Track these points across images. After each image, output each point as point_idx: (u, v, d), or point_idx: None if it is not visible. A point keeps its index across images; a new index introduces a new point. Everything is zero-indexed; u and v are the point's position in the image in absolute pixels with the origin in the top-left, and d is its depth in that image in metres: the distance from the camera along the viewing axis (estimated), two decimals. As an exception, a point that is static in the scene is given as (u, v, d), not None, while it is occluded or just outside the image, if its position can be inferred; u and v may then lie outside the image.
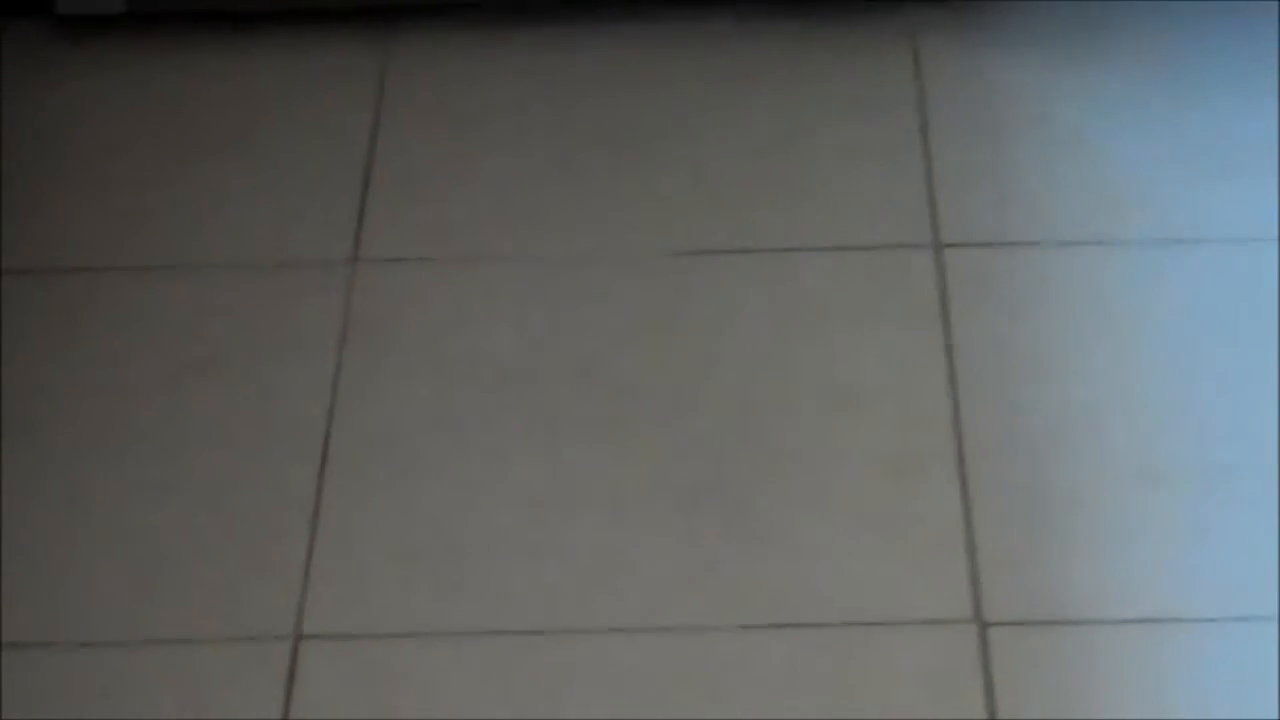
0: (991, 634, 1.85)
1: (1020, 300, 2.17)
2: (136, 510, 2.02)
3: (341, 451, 2.03)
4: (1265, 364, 2.09)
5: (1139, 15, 2.51)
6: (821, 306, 2.15)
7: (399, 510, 1.99)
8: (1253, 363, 2.10)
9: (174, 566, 1.96)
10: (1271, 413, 2.04)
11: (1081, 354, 2.11)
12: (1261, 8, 2.52)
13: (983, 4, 2.50)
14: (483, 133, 2.37)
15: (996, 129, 2.36)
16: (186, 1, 2.43)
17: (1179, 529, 1.95)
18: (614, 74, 2.43)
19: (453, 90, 2.43)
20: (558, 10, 2.48)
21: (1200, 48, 2.48)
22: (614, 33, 2.47)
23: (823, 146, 2.33)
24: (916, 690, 1.82)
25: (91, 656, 1.91)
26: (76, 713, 1.85)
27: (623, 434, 2.03)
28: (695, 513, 1.96)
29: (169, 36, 2.46)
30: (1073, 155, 2.32)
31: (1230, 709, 1.81)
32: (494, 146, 2.35)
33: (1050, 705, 1.82)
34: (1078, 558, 1.94)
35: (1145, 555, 1.93)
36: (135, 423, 2.09)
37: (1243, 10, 2.52)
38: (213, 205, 2.28)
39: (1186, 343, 2.12)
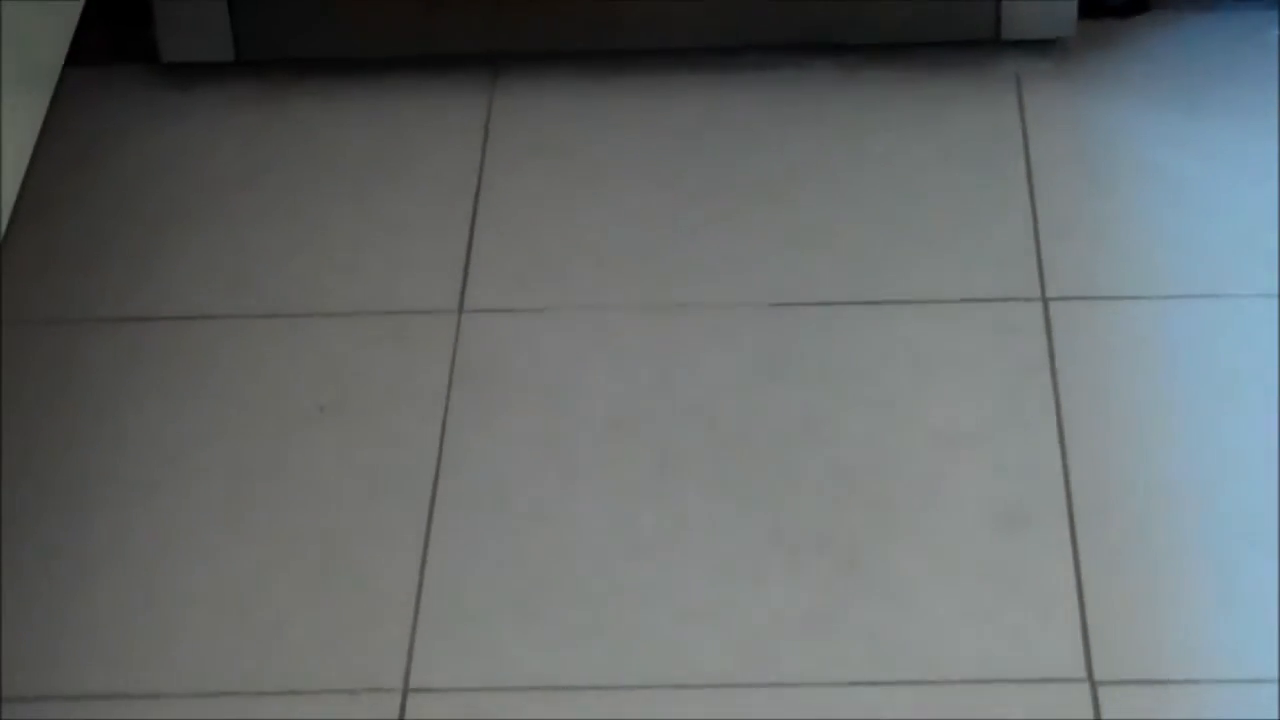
0: (1102, 692, 1.85)
1: (1127, 353, 2.17)
2: (247, 557, 2.04)
3: (449, 499, 2.04)
4: None
5: (1243, 63, 2.51)
6: (929, 359, 2.15)
7: (508, 558, 1.99)
8: None
9: (283, 616, 1.97)
10: None
11: (1189, 409, 2.10)
12: None
13: (1085, 52, 2.49)
14: (584, 181, 2.38)
15: (1102, 179, 2.35)
16: (293, 49, 2.44)
17: None
18: (714, 123, 2.43)
19: (555, 138, 2.43)
20: (657, 59, 2.48)
21: None
22: (716, 82, 2.48)
23: (928, 196, 2.33)
24: None
25: (203, 705, 1.92)
26: None
27: (732, 482, 2.03)
28: (806, 564, 1.96)
29: (274, 83, 2.49)
30: (1178, 205, 2.31)
31: None
32: (596, 195, 2.36)
33: None
34: (1186, 616, 1.93)
35: (1252, 616, 1.92)
36: (248, 469, 2.11)
37: None
38: (323, 253, 2.29)
39: None
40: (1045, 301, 2.20)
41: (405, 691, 1.89)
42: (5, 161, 2.15)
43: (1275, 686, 1.85)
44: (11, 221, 2.18)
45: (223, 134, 2.43)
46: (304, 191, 2.37)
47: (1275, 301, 2.22)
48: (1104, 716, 1.83)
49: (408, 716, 1.87)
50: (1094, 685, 1.84)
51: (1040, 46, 2.46)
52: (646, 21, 2.42)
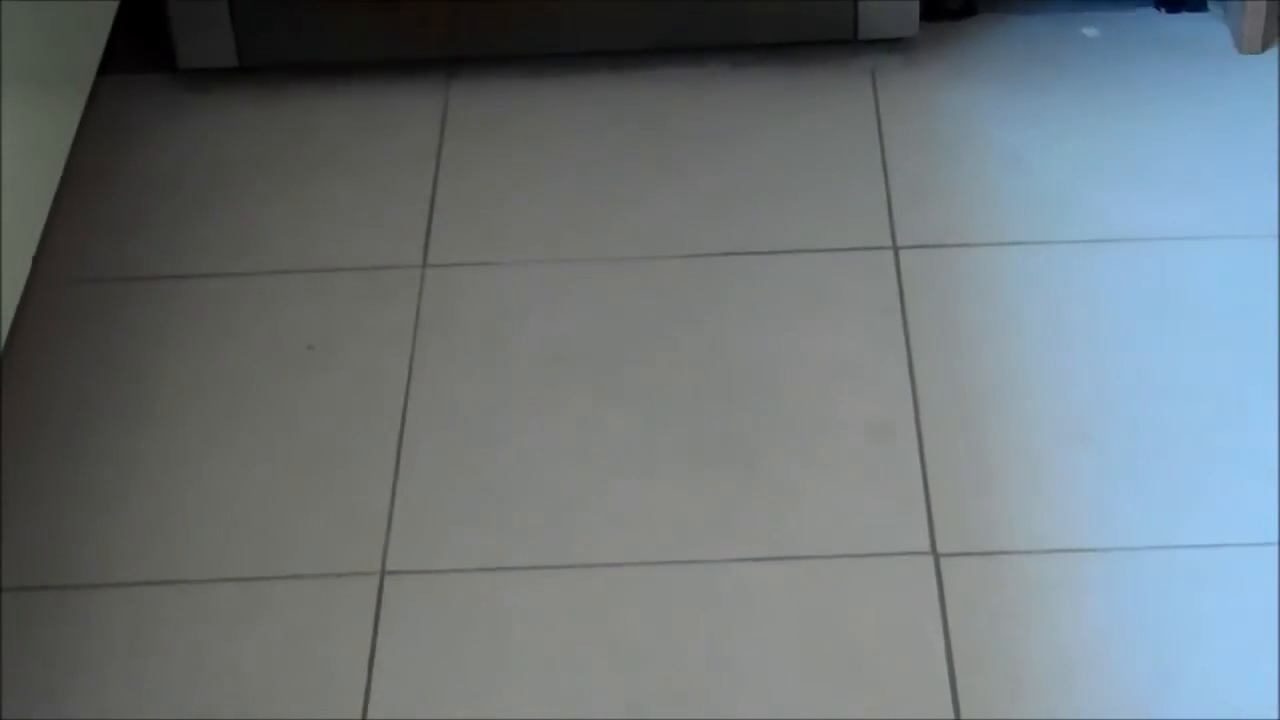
0: (944, 562, 1.89)
1: (965, 292, 2.19)
2: (247, 467, 2.06)
3: (418, 419, 2.06)
4: (1169, 340, 2.11)
5: (1058, 55, 2.52)
6: (807, 299, 2.19)
7: (467, 466, 2.01)
8: (1159, 339, 2.11)
9: (278, 516, 2.00)
10: (1172, 379, 2.06)
11: (1017, 336, 2.13)
12: (1165, 45, 2.51)
13: (927, 48, 2.53)
14: (526, 159, 2.41)
15: (942, 149, 2.39)
16: (287, 55, 2.47)
17: (1098, 476, 1.98)
18: (632, 111, 2.47)
19: (502, 125, 2.46)
20: (585, 61, 2.51)
21: (1118, 77, 2.47)
22: (632, 78, 2.51)
23: (801, 168, 2.38)
24: (883, 610, 1.87)
25: (213, 589, 1.93)
26: (189, 639, 1.87)
27: (653, 405, 2.07)
28: (710, 468, 2.00)
29: (273, 84, 2.51)
30: (1009, 169, 2.34)
31: (1137, 624, 1.83)
32: (537, 172, 2.39)
33: (994, 620, 1.84)
34: (1013, 500, 1.96)
35: (1066, 498, 1.96)
36: (252, 396, 2.13)
37: (1142, 46, 2.51)
38: (311, 221, 2.32)
39: (1106, 324, 2.14)
40: (896, 250, 2.23)
41: (383, 574, 1.92)
42: (49, 148, 2.17)
43: (1084, 555, 1.89)
44: (57, 198, 2.20)
45: (230, 128, 2.46)
46: (296, 172, 2.39)
47: (1089, 246, 2.23)
48: (945, 580, 1.87)
49: (386, 594, 1.89)
50: (936, 557, 1.89)
51: (890, 44, 2.51)
52: (577, 28, 2.45)
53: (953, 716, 1.74)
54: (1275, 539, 1.87)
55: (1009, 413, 2.04)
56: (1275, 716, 1.70)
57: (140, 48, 2.49)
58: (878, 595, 1.88)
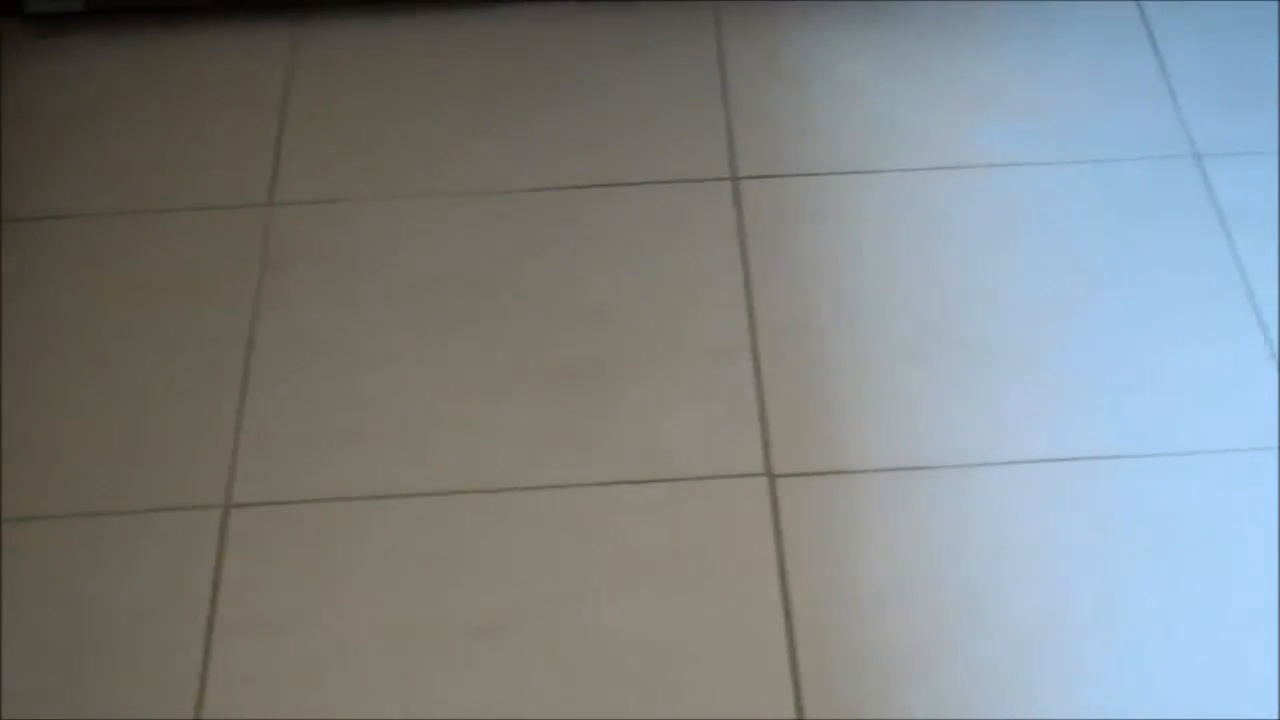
0: (779, 483, 1.92)
1: (803, 219, 2.21)
2: (99, 401, 2.05)
3: (264, 357, 2.07)
4: (1004, 261, 2.13)
5: None
6: (650, 230, 2.22)
7: (315, 396, 2.02)
8: (995, 261, 2.14)
9: (122, 450, 1.98)
10: (1007, 300, 2.08)
11: (854, 261, 2.15)
12: None
13: None
14: (376, 99, 2.41)
15: (785, 83, 2.40)
16: (132, 0, 2.47)
17: (934, 396, 2.00)
18: (482, 51, 2.48)
19: (350, 65, 2.47)
20: (439, 2, 2.51)
21: (958, 12, 2.45)
22: (482, 17, 2.51)
23: (648, 103, 2.40)
24: (720, 531, 1.89)
25: (60, 526, 1.90)
26: (44, 573, 1.84)
27: (501, 334, 2.10)
28: (559, 392, 2.03)
29: (120, 27, 2.50)
30: (850, 101, 2.36)
31: (971, 541, 1.84)
32: (385, 110, 2.40)
33: (828, 539, 1.87)
34: (851, 421, 1.99)
35: (906, 418, 1.98)
36: (102, 338, 2.13)
37: None
38: (162, 162, 2.32)
39: (942, 248, 2.17)
40: (735, 180, 2.25)
41: (228, 507, 1.91)
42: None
43: (920, 473, 1.91)
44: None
45: (79, 71, 2.46)
46: (143, 114, 2.39)
47: (925, 174, 2.26)
48: (779, 500, 1.90)
49: (231, 526, 1.89)
50: (772, 478, 1.92)
51: None
52: None
53: (785, 635, 1.76)
54: (1108, 453, 1.91)
55: (845, 335, 2.07)
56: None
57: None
58: (715, 517, 1.90)
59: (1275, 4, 2.48)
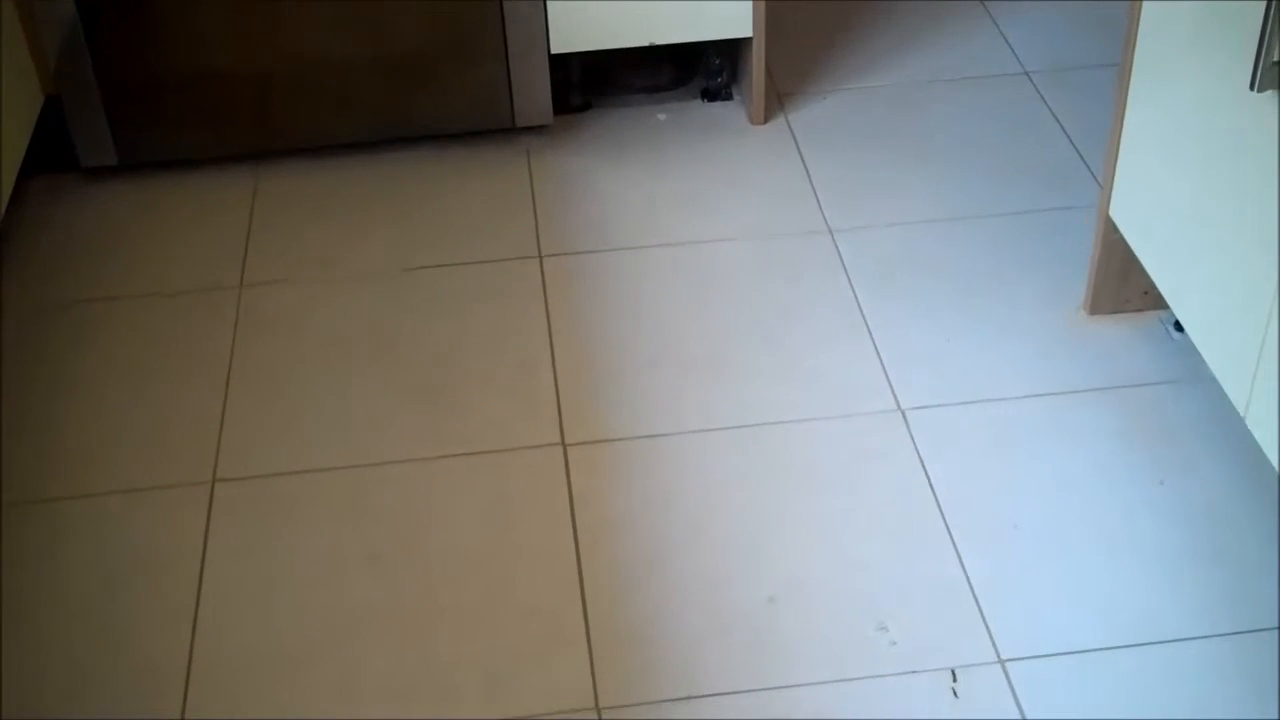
0: (570, 451, 2.06)
1: (586, 281, 2.34)
2: (96, 393, 2.16)
3: (239, 391, 2.21)
4: (710, 301, 2.30)
5: (639, 133, 2.69)
6: (480, 293, 2.38)
7: (280, 406, 2.17)
8: (705, 301, 2.31)
9: (111, 435, 2.11)
10: (713, 325, 2.25)
11: (619, 305, 2.30)
12: (707, 124, 2.66)
13: (561, 131, 2.69)
14: (308, 213, 2.57)
15: (571, 194, 2.57)
16: (150, 156, 2.62)
17: (670, 384, 2.17)
18: (372, 179, 2.63)
19: (293, 192, 2.60)
20: (346, 150, 2.67)
21: (678, 145, 2.63)
22: (373, 158, 2.68)
23: (477, 211, 2.57)
24: (526, 488, 2.02)
25: (74, 504, 2.01)
26: (41, 553, 1.94)
27: (389, 366, 2.26)
28: (419, 399, 2.20)
29: (139, 177, 2.65)
30: (610, 204, 2.55)
31: (687, 480, 2.01)
32: (314, 220, 2.55)
33: (611, 494, 1.99)
34: (628, 391, 2.14)
35: (649, 401, 2.13)
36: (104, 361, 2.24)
37: (693, 125, 2.66)
38: (165, 264, 2.49)
39: (673, 293, 2.33)
40: (541, 258, 2.44)
41: (213, 482, 2.05)
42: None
43: (653, 439, 2.04)
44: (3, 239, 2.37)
45: (112, 207, 2.61)
46: (150, 236, 2.54)
47: (660, 249, 2.40)
48: (570, 464, 2.04)
49: (216, 497, 2.02)
50: (565, 447, 2.08)
51: (537, 130, 2.70)
52: (337, 129, 2.61)
53: (578, 581, 1.86)
54: (769, 420, 2.07)
55: (613, 351, 2.21)
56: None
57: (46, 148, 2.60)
58: (524, 478, 2.02)
59: (894, 133, 2.64)
